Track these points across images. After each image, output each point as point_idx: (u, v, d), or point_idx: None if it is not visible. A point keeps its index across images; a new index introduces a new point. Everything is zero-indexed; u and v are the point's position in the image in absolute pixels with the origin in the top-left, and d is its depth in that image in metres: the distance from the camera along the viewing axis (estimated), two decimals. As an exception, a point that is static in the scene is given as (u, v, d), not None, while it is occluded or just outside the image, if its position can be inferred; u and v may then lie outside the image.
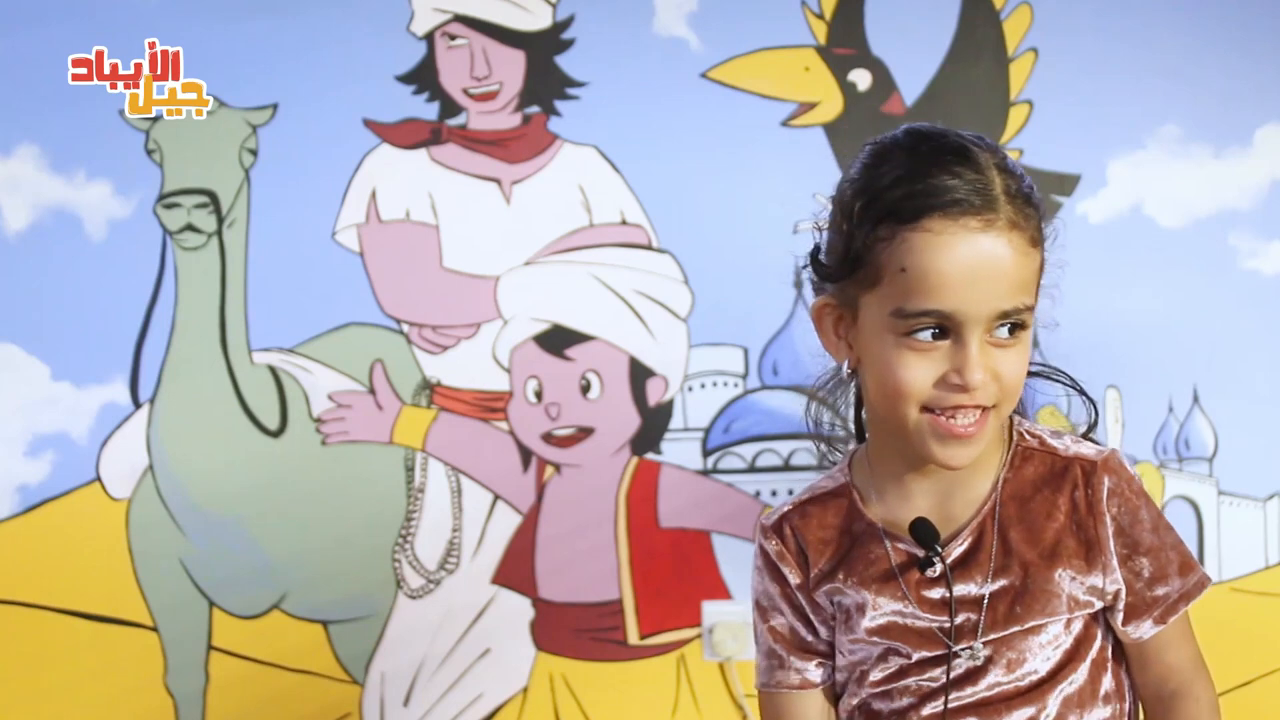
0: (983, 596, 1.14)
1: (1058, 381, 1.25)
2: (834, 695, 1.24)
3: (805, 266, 1.17)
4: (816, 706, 1.24)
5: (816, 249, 1.15)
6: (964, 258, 1.04)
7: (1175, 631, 1.17)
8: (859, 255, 1.09)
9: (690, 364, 2.20)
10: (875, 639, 1.17)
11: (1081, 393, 1.25)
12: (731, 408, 2.21)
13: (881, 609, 1.16)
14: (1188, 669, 1.18)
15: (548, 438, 2.20)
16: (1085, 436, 1.22)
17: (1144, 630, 1.16)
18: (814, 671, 1.23)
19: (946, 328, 1.06)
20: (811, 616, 1.21)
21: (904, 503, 1.17)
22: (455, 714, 2.21)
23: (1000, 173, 1.06)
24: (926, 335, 1.07)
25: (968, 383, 1.06)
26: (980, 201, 1.04)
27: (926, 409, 1.08)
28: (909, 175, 1.07)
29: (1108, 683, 1.17)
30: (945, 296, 1.05)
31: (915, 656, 1.16)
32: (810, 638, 1.22)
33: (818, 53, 2.18)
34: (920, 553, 1.14)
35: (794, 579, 1.21)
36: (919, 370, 1.07)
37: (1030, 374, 1.22)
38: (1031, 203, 1.07)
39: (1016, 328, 1.07)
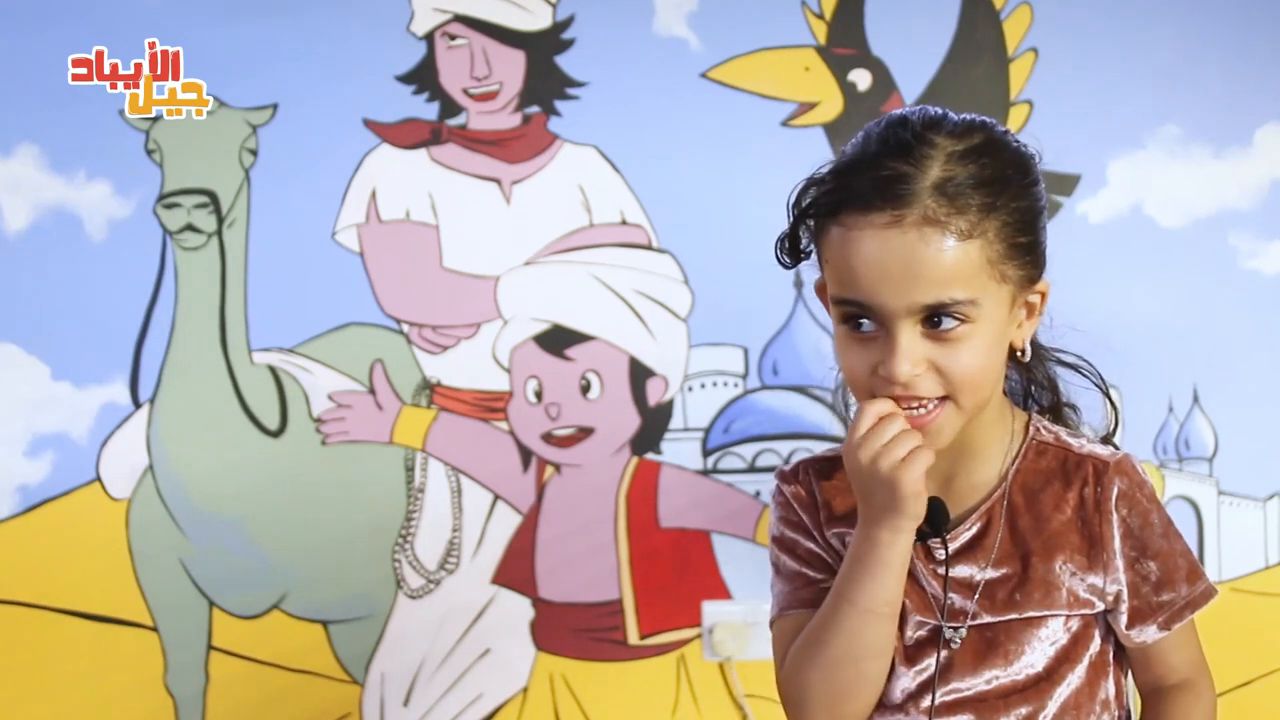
0: (980, 582, 1.14)
1: (1085, 376, 1.25)
2: None
3: (775, 251, 1.18)
4: None
5: (784, 235, 1.17)
6: (870, 253, 1.05)
7: (1180, 635, 1.17)
8: (806, 242, 1.13)
9: (690, 364, 2.20)
10: None
11: (1105, 394, 1.25)
12: (731, 408, 2.21)
13: None
14: (1191, 668, 1.19)
15: (548, 438, 2.20)
16: (1104, 440, 1.22)
17: (1148, 635, 1.16)
18: None
19: (875, 319, 1.08)
20: (824, 556, 1.21)
21: None
22: (455, 714, 2.21)
23: (946, 163, 1.06)
24: (859, 324, 1.09)
25: (890, 374, 1.07)
26: (893, 197, 1.05)
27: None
28: (843, 168, 1.10)
29: (1106, 689, 1.17)
30: (859, 289, 1.07)
31: (910, 620, 1.16)
32: (831, 563, 1.21)
33: (818, 53, 2.19)
34: (927, 527, 1.14)
35: (808, 520, 1.22)
36: (858, 358, 1.10)
37: (1062, 363, 1.24)
38: (978, 193, 1.06)
39: (958, 321, 1.06)
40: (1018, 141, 1.14)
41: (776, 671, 1.20)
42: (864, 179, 1.07)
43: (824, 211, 1.09)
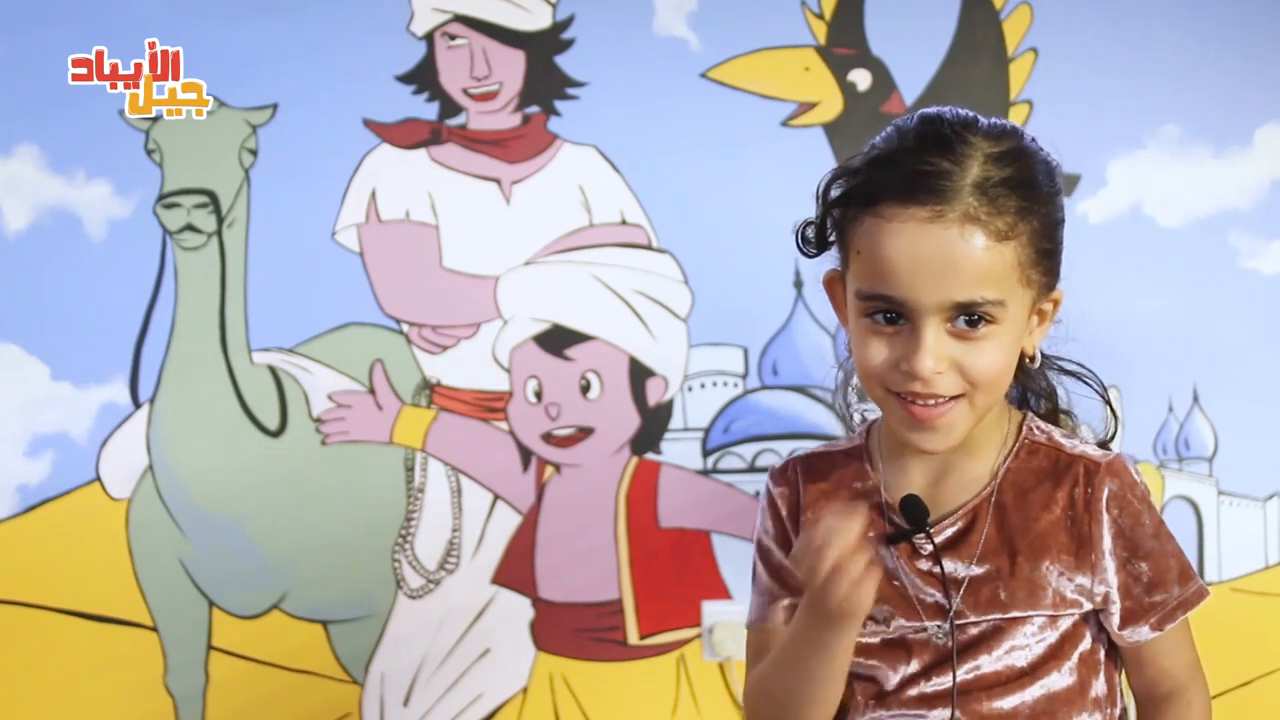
0: (965, 579, 1.14)
1: (1088, 384, 1.26)
2: None
3: (796, 239, 1.18)
4: None
5: (808, 223, 1.17)
6: (909, 247, 1.05)
7: (1173, 638, 1.17)
8: (829, 232, 1.13)
9: (690, 364, 2.20)
10: None
11: (1106, 402, 1.26)
12: (731, 408, 2.21)
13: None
14: (1183, 674, 1.19)
15: (548, 438, 2.20)
16: (1101, 445, 1.22)
17: (1141, 635, 1.16)
18: None
19: (902, 313, 1.08)
20: None
21: (900, 475, 1.19)
22: (455, 714, 2.21)
23: (985, 163, 1.07)
24: (883, 318, 1.09)
25: (913, 370, 1.07)
26: (935, 191, 1.05)
27: (892, 392, 1.10)
28: (880, 160, 1.10)
29: (1099, 687, 1.17)
30: (892, 283, 1.07)
31: (893, 625, 1.16)
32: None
33: (818, 53, 2.19)
34: (907, 527, 1.15)
35: (789, 524, 1.23)
36: (878, 352, 1.10)
37: (1065, 372, 1.24)
38: (1015, 196, 1.07)
39: (985, 321, 1.07)
40: (1043, 150, 1.14)
41: (744, 680, 1.22)
42: (904, 171, 1.06)
43: (860, 201, 1.09)
